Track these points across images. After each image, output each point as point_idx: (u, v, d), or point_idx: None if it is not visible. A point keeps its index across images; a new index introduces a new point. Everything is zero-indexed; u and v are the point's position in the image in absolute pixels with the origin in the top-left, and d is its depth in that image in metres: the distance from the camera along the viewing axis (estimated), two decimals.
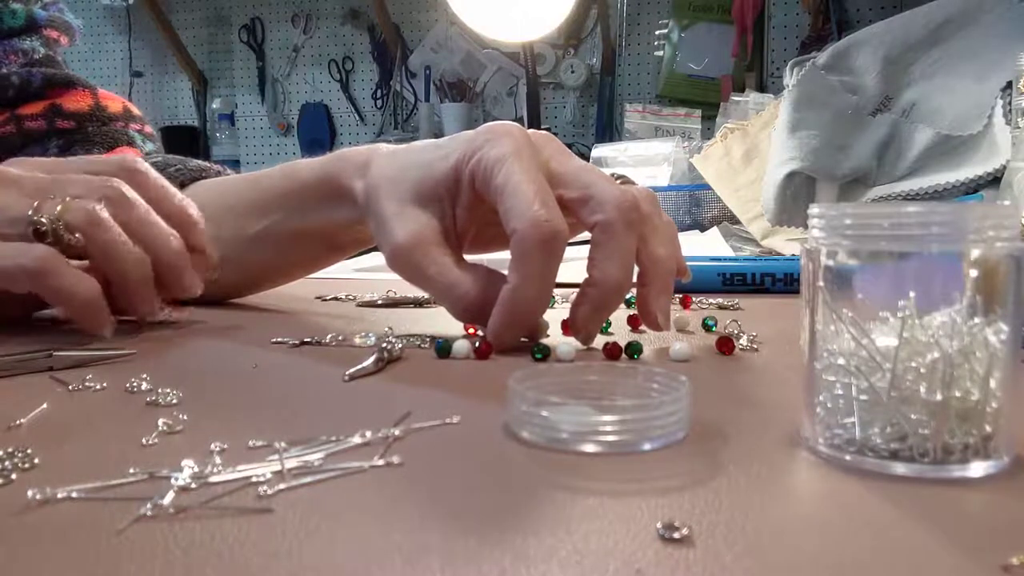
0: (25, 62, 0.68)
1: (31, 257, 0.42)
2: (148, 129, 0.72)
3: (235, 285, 0.62)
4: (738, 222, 1.10)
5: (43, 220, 0.43)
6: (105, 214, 0.44)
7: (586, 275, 0.41)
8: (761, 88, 2.28)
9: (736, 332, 0.47)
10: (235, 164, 2.80)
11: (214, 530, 0.21)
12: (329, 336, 0.47)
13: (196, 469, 0.24)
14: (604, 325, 0.50)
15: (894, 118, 0.98)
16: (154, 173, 0.48)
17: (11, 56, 0.68)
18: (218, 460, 0.25)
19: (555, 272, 0.41)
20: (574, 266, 0.85)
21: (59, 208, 0.43)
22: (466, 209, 0.44)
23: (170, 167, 0.61)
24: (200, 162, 0.66)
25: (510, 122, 0.44)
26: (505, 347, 0.42)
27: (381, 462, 0.26)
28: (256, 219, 0.55)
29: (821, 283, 0.26)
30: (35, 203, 0.44)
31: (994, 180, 0.88)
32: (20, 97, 0.66)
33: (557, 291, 0.64)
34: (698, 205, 1.18)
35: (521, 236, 0.39)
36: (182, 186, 0.59)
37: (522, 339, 0.43)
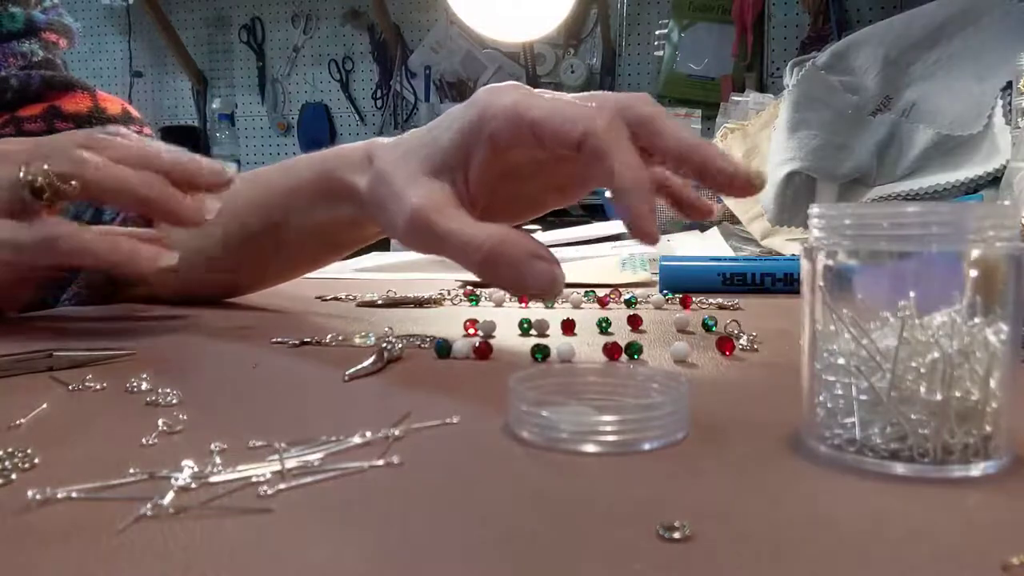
0: (24, 65, 0.68)
1: (45, 231, 0.45)
2: (147, 131, 0.72)
3: (234, 284, 0.63)
4: (738, 222, 1.10)
5: (37, 177, 0.44)
6: (89, 154, 0.45)
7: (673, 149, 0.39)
8: (761, 88, 2.28)
9: (736, 332, 0.47)
10: (235, 164, 2.80)
11: (214, 530, 0.21)
12: (329, 336, 0.47)
13: (196, 469, 0.24)
14: (604, 325, 0.50)
15: (894, 118, 0.98)
16: (115, 140, 0.48)
17: (10, 59, 0.68)
18: (218, 460, 0.25)
19: None
20: (574, 266, 0.85)
21: (46, 165, 0.44)
22: (480, 173, 0.43)
23: None
24: None
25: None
26: (652, 235, 0.38)
27: (381, 462, 0.26)
28: (256, 218, 0.55)
29: (821, 283, 0.26)
30: (22, 166, 0.45)
31: (994, 180, 0.88)
32: (19, 100, 0.66)
33: None
34: None
35: (595, 129, 0.38)
36: None
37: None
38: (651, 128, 0.40)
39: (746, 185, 0.39)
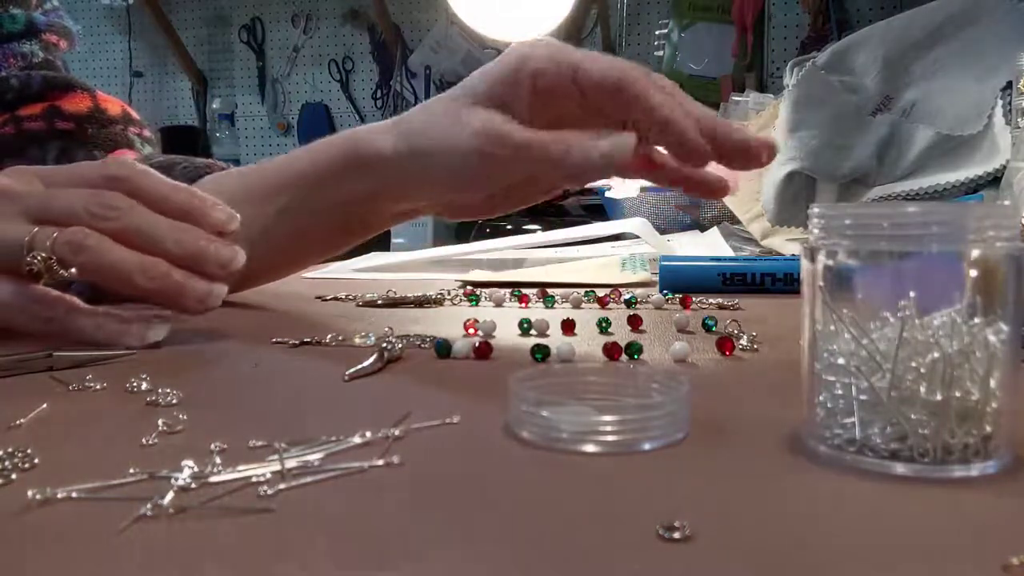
0: (24, 66, 0.68)
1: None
2: (147, 132, 0.72)
3: (247, 274, 0.62)
4: (738, 222, 1.10)
5: (35, 262, 0.42)
6: (87, 239, 0.42)
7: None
8: (761, 88, 2.28)
9: (736, 332, 0.47)
10: (235, 164, 2.80)
11: (214, 530, 0.21)
12: (329, 336, 0.47)
13: (196, 469, 0.24)
14: (604, 325, 0.50)
15: (894, 118, 0.98)
16: (143, 177, 0.46)
17: (10, 60, 0.68)
18: (218, 460, 0.25)
19: None
20: (574, 266, 0.85)
21: (48, 242, 0.42)
22: (519, 113, 0.45)
23: (176, 166, 0.62)
24: (205, 159, 0.66)
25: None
26: (702, 151, 0.43)
27: (381, 462, 0.26)
28: (271, 202, 0.55)
29: (821, 283, 0.26)
30: (26, 238, 0.42)
31: (994, 180, 0.88)
32: (19, 100, 0.66)
33: (557, 291, 0.65)
34: (698, 205, 1.18)
35: (634, 73, 0.43)
36: (190, 183, 0.59)
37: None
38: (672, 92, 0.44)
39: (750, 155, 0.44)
